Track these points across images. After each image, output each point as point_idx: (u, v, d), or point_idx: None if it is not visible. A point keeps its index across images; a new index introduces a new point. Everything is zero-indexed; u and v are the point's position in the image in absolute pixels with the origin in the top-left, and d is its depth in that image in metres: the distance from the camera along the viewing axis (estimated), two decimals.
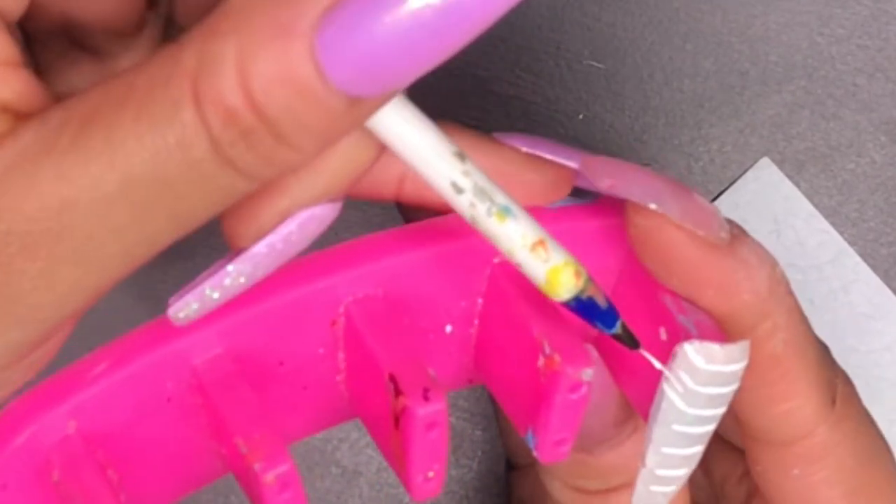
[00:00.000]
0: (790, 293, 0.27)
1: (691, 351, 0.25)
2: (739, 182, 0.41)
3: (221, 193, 0.20)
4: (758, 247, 0.27)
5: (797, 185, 0.41)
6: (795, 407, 0.28)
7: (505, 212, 0.22)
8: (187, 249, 0.41)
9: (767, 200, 0.41)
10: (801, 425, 0.28)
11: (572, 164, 0.27)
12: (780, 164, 0.41)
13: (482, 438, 0.42)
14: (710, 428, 0.27)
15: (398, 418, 0.25)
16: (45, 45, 0.25)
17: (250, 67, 0.19)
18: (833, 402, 0.28)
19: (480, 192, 0.22)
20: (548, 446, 0.27)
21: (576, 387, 0.26)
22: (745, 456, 0.30)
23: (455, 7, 0.18)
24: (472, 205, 0.22)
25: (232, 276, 0.23)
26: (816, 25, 0.41)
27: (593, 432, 0.30)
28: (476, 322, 0.28)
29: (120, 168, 0.19)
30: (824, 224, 0.41)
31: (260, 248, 0.23)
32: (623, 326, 0.25)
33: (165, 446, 0.26)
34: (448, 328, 0.28)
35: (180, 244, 0.43)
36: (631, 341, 0.25)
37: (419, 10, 0.18)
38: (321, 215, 0.23)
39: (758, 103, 0.41)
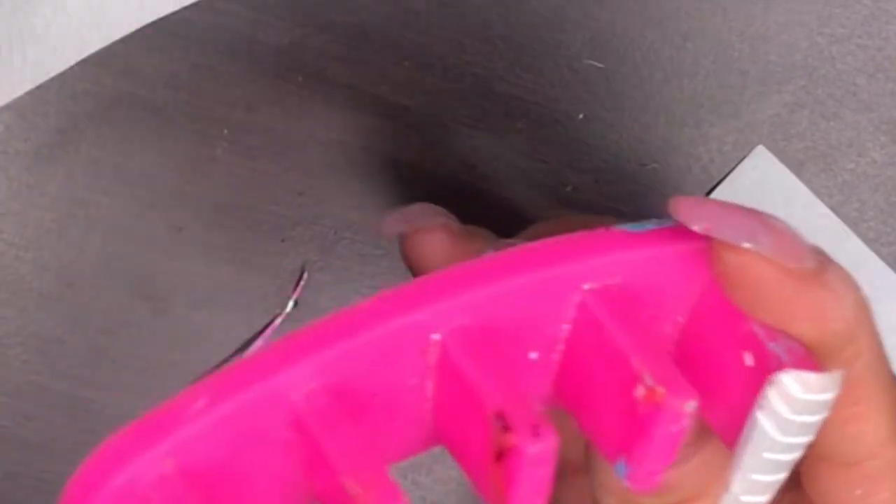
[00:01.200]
0: (871, 316, 0.28)
1: (788, 380, 0.25)
2: (736, 172, 0.41)
3: None
4: (843, 271, 0.27)
5: None
6: (868, 429, 0.28)
7: None
8: (187, 249, 0.41)
9: (765, 189, 0.41)
10: (871, 446, 0.28)
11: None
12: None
13: None
14: (797, 455, 0.27)
15: (501, 454, 0.24)
16: None
17: None
18: None
19: None
20: (641, 476, 0.27)
21: (678, 419, 0.26)
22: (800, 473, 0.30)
23: None
24: None
25: None
26: (816, 25, 0.41)
27: None
28: (560, 347, 0.28)
29: None
30: (823, 209, 0.41)
31: None
32: None
33: (259, 484, 0.26)
34: (533, 355, 0.28)
35: (180, 244, 0.43)
36: None
37: None
38: None
39: (758, 103, 0.41)
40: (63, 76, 0.38)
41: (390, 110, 0.41)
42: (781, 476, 0.27)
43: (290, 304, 0.41)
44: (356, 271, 0.42)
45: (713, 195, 0.41)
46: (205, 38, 0.40)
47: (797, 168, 0.41)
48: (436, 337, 0.26)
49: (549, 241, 0.27)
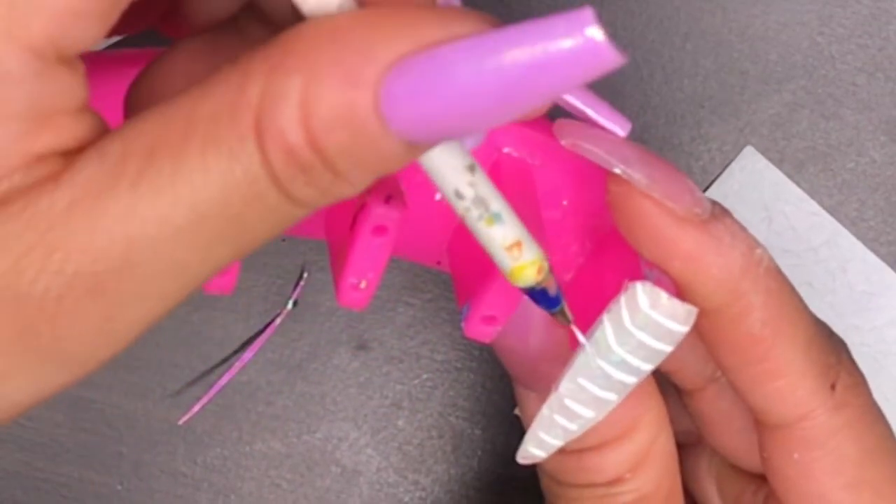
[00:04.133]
0: (771, 275, 0.28)
1: (640, 290, 0.26)
2: (725, 174, 0.41)
3: (281, 221, 0.20)
4: (736, 227, 0.27)
5: (797, 184, 0.41)
6: (786, 385, 0.28)
7: (495, 218, 0.23)
8: None
9: (755, 189, 0.41)
10: (796, 405, 0.28)
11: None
12: (780, 163, 0.41)
13: (482, 438, 0.42)
14: (631, 381, 0.27)
15: (356, 218, 0.26)
16: None
17: (313, 108, 0.19)
18: (832, 387, 0.28)
19: (479, 202, 0.23)
20: (475, 322, 0.28)
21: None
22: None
23: (522, 79, 0.18)
24: (468, 209, 0.23)
25: None
26: (816, 25, 0.41)
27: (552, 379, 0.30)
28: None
29: (188, 202, 0.19)
30: (814, 206, 0.41)
31: None
32: (562, 310, 0.26)
33: None
34: (438, 196, 0.29)
35: None
36: (564, 319, 0.26)
37: (487, 76, 0.18)
38: None
39: (758, 103, 0.41)
40: None
41: None
42: (609, 396, 0.27)
43: (290, 304, 0.41)
44: None
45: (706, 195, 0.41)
46: None
47: (797, 167, 0.41)
48: None
49: None
